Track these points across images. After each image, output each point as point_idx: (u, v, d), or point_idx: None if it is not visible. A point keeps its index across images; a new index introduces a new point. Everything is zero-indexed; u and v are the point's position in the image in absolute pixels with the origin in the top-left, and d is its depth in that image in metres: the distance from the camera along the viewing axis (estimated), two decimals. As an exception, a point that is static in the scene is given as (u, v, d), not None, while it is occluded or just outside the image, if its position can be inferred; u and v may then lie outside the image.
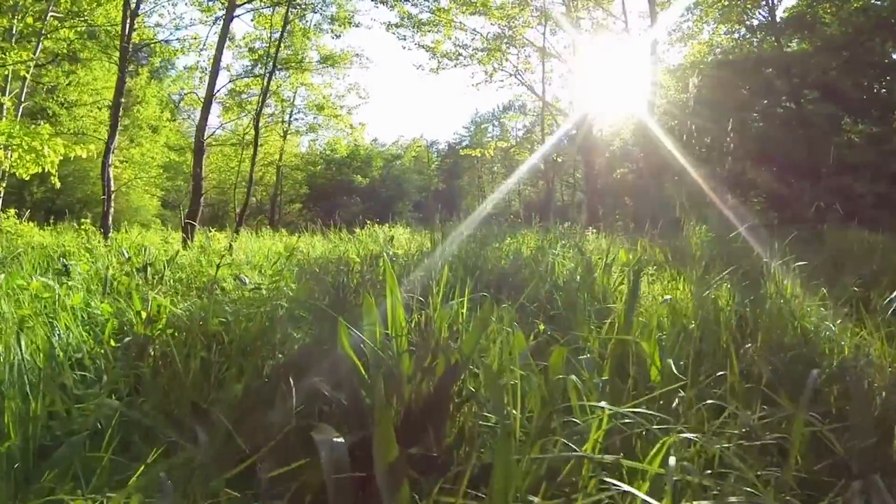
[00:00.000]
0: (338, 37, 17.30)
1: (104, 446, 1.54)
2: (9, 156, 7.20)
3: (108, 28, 12.18)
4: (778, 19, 18.66)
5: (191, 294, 4.43)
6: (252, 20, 12.30)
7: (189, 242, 8.37)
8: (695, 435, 1.17)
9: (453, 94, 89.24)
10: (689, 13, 16.35)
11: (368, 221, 10.56)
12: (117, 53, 21.72)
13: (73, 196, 27.72)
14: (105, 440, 1.57)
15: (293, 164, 27.94)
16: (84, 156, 9.49)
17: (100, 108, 25.55)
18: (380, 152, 37.16)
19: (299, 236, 10.31)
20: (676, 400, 1.44)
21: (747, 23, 18.93)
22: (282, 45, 18.57)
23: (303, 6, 14.02)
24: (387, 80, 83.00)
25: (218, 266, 3.80)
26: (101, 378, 2.41)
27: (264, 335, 2.76)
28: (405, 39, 15.07)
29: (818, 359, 1.92)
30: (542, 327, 2.17)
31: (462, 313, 1.80)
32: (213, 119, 28.74)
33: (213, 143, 25.90)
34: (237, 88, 24.39)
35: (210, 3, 11.83)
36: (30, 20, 9.08)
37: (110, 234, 8.09)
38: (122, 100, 25.53)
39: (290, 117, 27.14)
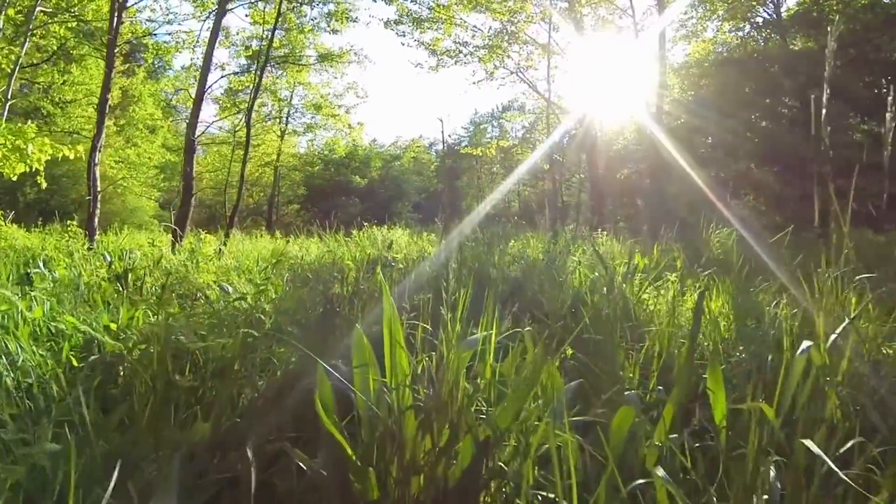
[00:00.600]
0: (335, 32, 16.92)
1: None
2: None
3: (98, 24, 11.82)
4: (783, 16, 18.37)
5: (172, 303, 4.08)
6: (247, 15, 11.94)
7: (179, 245, 8.02)
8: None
9: (452, 94, 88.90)
10: (693, 10, 16.02)
11: (367, 223, 10.21)
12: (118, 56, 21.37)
13: (67, 197, 27.37)
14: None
15: (291, 165, 27.57)
16: (72, 156, 9.13)
17: (95, 108, 25.13)
18: (378, 153, 36.79)
19: (294, 238, 9.96)
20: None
21: (753, 20, 18.62)
22: (279, 43, 18.26)
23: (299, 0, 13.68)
24: (385, 80, 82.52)
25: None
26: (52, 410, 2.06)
27: (244, 355, 2.42)
28: (404, 36, 14.74)
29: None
30: (569, 352, 1.82)
31: (489, 362, 1.42)
32: (210, 118, 28.42)
33: (211, 142, 25.55)
34: (233, 87, 24.03)
35: (203, -1, 11.50)
36: (11, 12, 8.71)
37: (96, 237, 7.73)
38: (119, 100, 25.15)
39: (288, 117, 26.79)
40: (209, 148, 26.48)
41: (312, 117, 25.77)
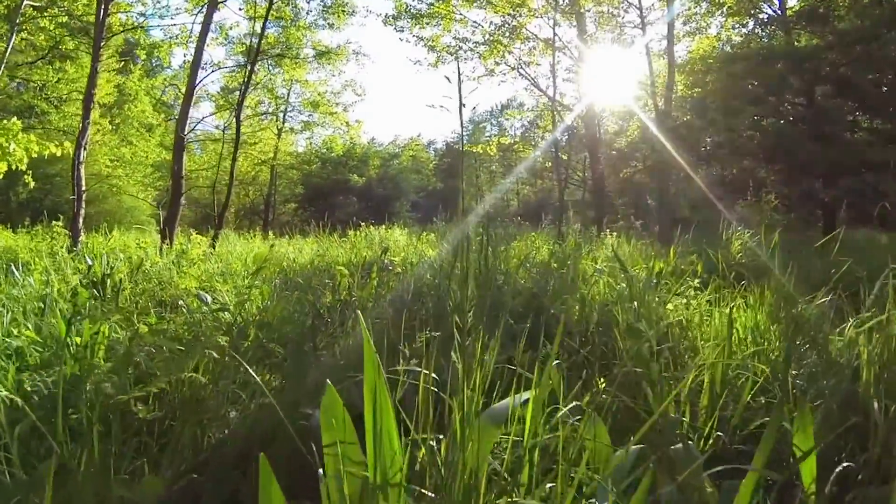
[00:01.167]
0: (332, 27, 16.61)
1: None
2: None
3: (89, 18, 11.47)
4: (788, 13, 18.04)
5: (150, 312, 3.76)
6: (241, 9, 11.58)
7: (168, 246, 7.69)
8: None
9: (452, 93, 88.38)
10: (697, 6, 15.69)
11: (364, 223, 9.88)
12: (108, 48, 21.00)
13: (61, 197, 27.02)
14: None
15: (288, 163, 27.21)
16: (58, 153, 8.80)
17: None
18: (377, 151, 36.42)
19: (290, 238, 9.64)
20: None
21: (757, 16, 18.29)
22: (274, 39, 17.91)
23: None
24: (384, 80, 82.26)
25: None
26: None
27: (216, 381, 2.10)
28: (403, 31, 14.39)
29: None
30: (601, 385, 1.50)
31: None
32: (206, 116, 28.04)
33: (207, 139, 25.17)
34: (229, 85, 23.68)
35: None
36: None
37: (81, 238, 7.40)
38: (116, 98, 24.74)
39: (285, 115, 26.44)
40: (205, 146, 26.11)
41: (310, 115, 25.44)
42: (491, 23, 13.48)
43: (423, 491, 0.90)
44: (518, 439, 1.09)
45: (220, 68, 13.23)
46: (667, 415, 1.37)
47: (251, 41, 20.98)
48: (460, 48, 14.00)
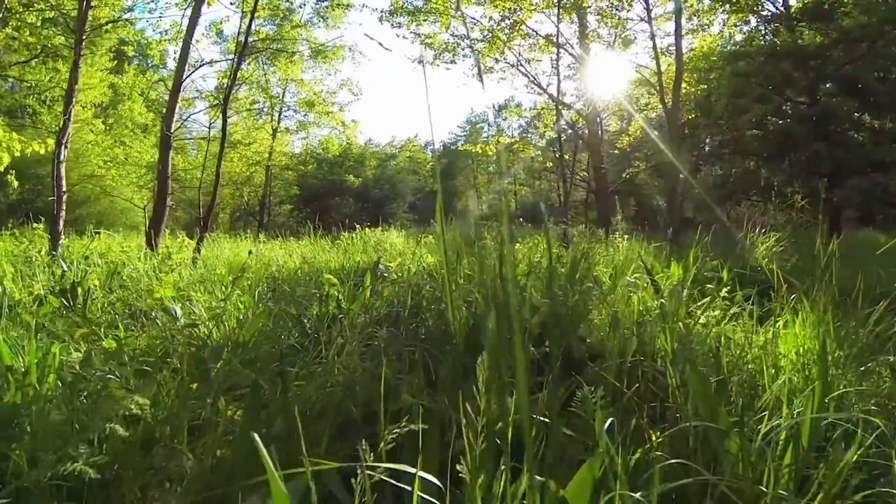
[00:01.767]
0: (324, 18, 16.23)
1: None
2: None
3: (73, 14, 11.07)
4: (791, 9, 17.73)
5: (119, 325, 3.40)
6: (232, 2, 11.21)
7: (156, 250, 7.32)
8: None
9: (449, 94, 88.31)
10: (699, 2, 15.37)
11: (360, 224, 9.51)
12: (101, 47, 20.61)
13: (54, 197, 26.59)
14: None
15: (283, 164, 26.81)
16: (42, 151, 8.41)
17: (83, 107, 24.72)
18: (373, 152, 36.03)
19: (283, 241, 9.27)
20: None
21: (759, 13, 17.97)
22: (266, 34, 17.57)
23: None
24: (381, 81, 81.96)
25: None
26: None
27: (171, 421, 1.74)
28: (400, 27, 14.02)
29: None
30: (655, 438, 1.15)
31: None
32: (202, 117, 27.71)
33: (203, 140, 24.76)
34: (223, 84, 23.25)
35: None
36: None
37: (61, 242, 7.02)
38: (110, 98, 24.33)
39: (280, 114, 26.07)
40: (201, 146, 25.69)
41: (305, 115, 25.07)
42: (490, 18, 13.14)
43: None
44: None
45: (205, 63, 12.79)
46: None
47: (239, 38, 20.66)
48: (459, 44, 13.67)
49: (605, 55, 13.69)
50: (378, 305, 2.62)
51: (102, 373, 2.10)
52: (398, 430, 1.01)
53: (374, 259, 2.62)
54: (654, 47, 10.59)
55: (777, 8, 18.17)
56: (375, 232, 9.18)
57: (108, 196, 26.38)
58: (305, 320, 2.73)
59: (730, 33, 17.39)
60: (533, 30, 13.13)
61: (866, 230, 15.91)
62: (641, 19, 12.38)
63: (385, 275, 3.72)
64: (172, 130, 7.72)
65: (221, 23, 14.74)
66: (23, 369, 2.30)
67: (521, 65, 13.04)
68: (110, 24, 10.49)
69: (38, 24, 13.66)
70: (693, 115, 15.08)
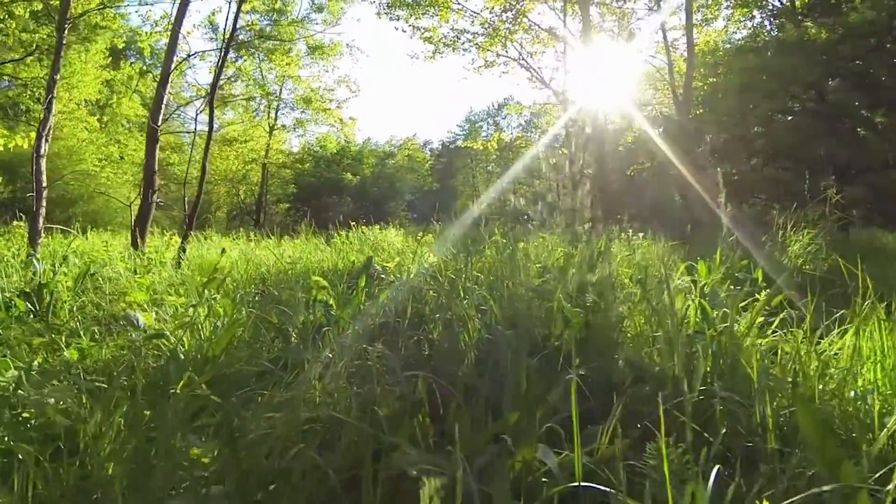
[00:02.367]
0: (319, 10, 15.86)
1: None
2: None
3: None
4: (797, 4, 17.39)
5: (87, 332, 3.04)
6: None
7: (136, 249, 6.95)
8: None
9: (448, 93, 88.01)
10: (705, -1, 15.03)
11: (356, 223, 9.13)
12: (95, 43, 20.22)
13: (46, 196, 26.20)
14: None
15: (280, 162, 26.40)
16: (25, 146, 8.03)
17: (77, 105, 24.42)
18: (372, 150, 35.57)
19: (276, 240, 8.89)
20: None
21: (765, 7, 17.63)
22: (252, 21, 17.19)
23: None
24: (380, 80, 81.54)
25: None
26: None
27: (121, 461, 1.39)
28: (398, 20, 13.63)
29: None
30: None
31: None
32: (202, 116, 27.26)
33: (200, 138, 24.33)
34: (226, 91, 22.86)
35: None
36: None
37: (41, 240, 6.64)
38: (106, 96, 23.94)
39: (277, 112, 25.67)
40: (198, 145, 25.26)
41: (303, 111, 24.68)
42: (492, 10, 12.74)
43: None
44: None
45: (195, 54, 12.42)
46: None
47: (244, 36, 20.28)
48: (458, 38, 13.28)
49: (611, 49, 13.33)
50: (373, 313, 2.27)
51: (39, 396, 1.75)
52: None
53: (366, 262, 2.26)
54: (665, 38, 10.22)
55: (782, 2, 17.84)
56: (373, 230, 8.81)
57: (102, 195, 26.05)
58: (291, 329, 2.37)
59: (735, 28, 17.03)
60: (535, 23, 12.77)
61: (870, 229, 15.56)
62: (650, 9, 12.03)
63: (382, 276, 3.35)
64: (160, 124, 7.34)
65: (214, 14, 14.34)
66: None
67: (524, 59, 12.67)
68: (94, 12, 10.07)
69: (27, 16, 13.30)
70: (700, 111, 14.72)
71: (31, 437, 1.64)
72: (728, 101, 15.27)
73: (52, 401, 1.68)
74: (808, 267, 3.60)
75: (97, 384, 2.08)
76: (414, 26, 13.53)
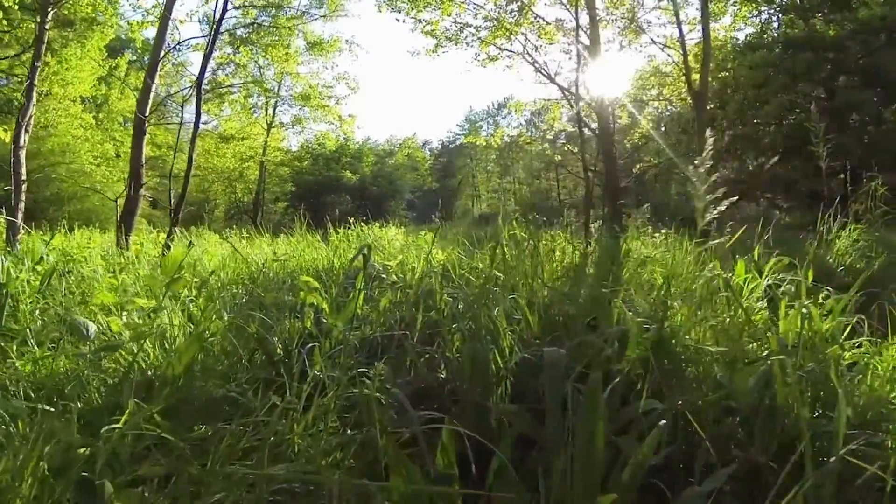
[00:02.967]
0: (321, 5, 15.42)
1: None
2: None
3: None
4: None
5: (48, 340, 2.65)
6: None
7: (126, 246, 6.55)
8: None
9: (447, 94, 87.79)
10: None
11: (354, 219, 8.72)
12: (91, 41, 19.81)
13: (39, 194, 25.90)
14: None
15: (278, 160, 25.97)
16: (7, 139, 7.63)
17: (73, 101, 24.04)
18: (371, 148, 35.16)
19: (273, 238, 8.49)
20: None
21: (772, 3, 17.28)
22: (250, 14, 16.78)
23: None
24: (379, 80, 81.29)
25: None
26: None
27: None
28: (399, 12, 13.20)
29: None
30: None
31: None
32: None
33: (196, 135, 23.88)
34: (218, 78, 22.39)
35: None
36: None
37: (20, 237, 6.24)
38: (103, 93, 23.55)
39: (275, 109, 25.26)
40: (189, 138, 24.81)
41: (301, 108, 24.26)
42: (496, 3, 12.33)
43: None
44: None
45: (184, 41, 12.01)
46: None
47: (241, 32, 19.87)
48: (461, 32, 12.87)
49: (619, 42, 12.94)
50: (374, 320, 1.88)
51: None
52: None
53: (365, 245, 1.84)
54: (679, 26, 9.82)
55: (790, -3, 17.52)
56: (373, 228, 8.40)
57: (97, 193, 25.69)
58: (276, 338, 1.98)
59: (742, 24, 16.66)
60: (540, 16, 12.35)
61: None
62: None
63: (382, 275, 2.96)
64: (148, 114, 6.94)
65: (207, 1, 13.92)
66: None
67: (528, 53, 12.27)
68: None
69: (15, 6, 12.92)
70: (713, 106, 14.38)
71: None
72: (737, 98, 14.94)
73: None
74: (860, 265, 3.22)
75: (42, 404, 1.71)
76: (416, 19, 13.11)
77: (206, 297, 2.93)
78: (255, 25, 17.09)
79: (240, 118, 24.35)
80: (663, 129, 15.73)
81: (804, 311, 1.42)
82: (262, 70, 22.48)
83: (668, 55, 12.56)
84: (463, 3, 13.00)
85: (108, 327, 2.49)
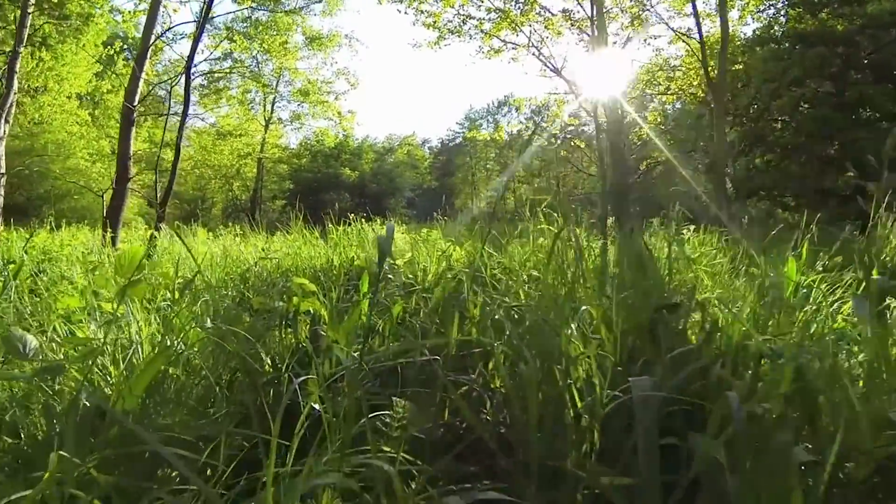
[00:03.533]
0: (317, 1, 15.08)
1: None
2: None
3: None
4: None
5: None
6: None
7: (113, 243, 6.18)
8: None
9: (446, 93, 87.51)
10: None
11: (354, 216, 8.31)
12: (87, 36, 19.40)
13: (33, 192, 25.54)
14: None
15: (276, 157, 25.56)
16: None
17: (68, 97, 23.64)
18: (371, 145, 34.76)
19: (267, 236, 8.11)
20: None
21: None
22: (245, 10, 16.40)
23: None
24: (379, 78, 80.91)
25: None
26: None
27: None
28: (401, 3, 12.82)
29: None
30: None
31: None
32: (194, 109, 26.48)
33: (193, 132, 23.52)
34: (214, 72, 22.00)
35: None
36: None
37: (-1, 233, 5.88)
38: (100, 89, 23.17)
39: (273, 105, 24.87)
40: (194, 140, 24.39)
41: (300, 104, 23.88)
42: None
43: None
44: None
45: (175, 26, 11.68)
46: None
47: (240, 27, 19.49)
48: (464, 24, 12.50)
49: (627, 35, 12.58)
50: (386, 330, 1.50)
51: None
52: None
53: (388, 234, 1.48)
54: (695, 12, 9.45)
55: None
56: (373, 225, 8.01)
57: (92, 192, 25.35)
58: (264, 355, 1.61)
59: (751, 18, 16.32)
60: (546, 7, 11.98)
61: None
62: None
63: (389, 276, 2.59)
64: (136, 104, 6.56)
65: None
66: None
67: (534, 45, 11.89)
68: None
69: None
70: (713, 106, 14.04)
71: None
72: (748, 92, 14.60)
73: None
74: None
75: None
76: (418, 10, 12.73)
77: (188, 301, 2.56)
78: (252, 20, 16.72)
79: (237, 114, 23.98)
80: (672, 124, 15.38)
81: None
82: (259, 65, 22.12)
83: (677, 48, 12.19)
84: (465, -5, 12.66)
85: (72, 337, 2.11)
